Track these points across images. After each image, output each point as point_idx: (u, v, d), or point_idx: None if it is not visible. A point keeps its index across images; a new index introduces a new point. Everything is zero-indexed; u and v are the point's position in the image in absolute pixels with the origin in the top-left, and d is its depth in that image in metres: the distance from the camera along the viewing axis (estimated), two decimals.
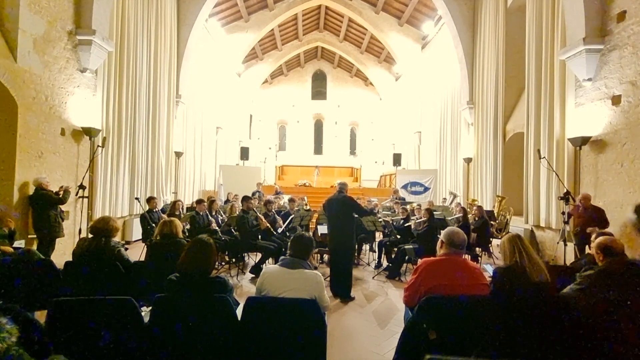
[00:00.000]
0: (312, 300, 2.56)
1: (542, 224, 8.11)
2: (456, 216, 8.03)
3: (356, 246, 7.41)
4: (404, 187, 13.98)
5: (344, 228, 5.66)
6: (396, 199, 11.76)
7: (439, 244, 2.85)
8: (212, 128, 16.31)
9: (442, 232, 2.87)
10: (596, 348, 2.28)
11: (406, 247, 6.56)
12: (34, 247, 5.75)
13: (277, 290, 2.68)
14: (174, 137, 11.90)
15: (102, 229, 3.52)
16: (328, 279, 6.03)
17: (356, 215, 5.89)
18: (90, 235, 3.59)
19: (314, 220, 8.53)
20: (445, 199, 12.88)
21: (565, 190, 6.62)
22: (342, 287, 5.53)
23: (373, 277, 6.70)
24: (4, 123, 5.76)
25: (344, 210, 5.67)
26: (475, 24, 12.26)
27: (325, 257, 7.88)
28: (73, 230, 6.91)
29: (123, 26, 8.70)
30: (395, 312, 4.92)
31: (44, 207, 5.82)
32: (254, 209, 7.21)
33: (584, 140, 6.81)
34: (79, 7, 7.09)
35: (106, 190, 8.15)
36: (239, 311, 2.56)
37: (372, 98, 25.21)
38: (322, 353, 2.57)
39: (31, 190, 5.93)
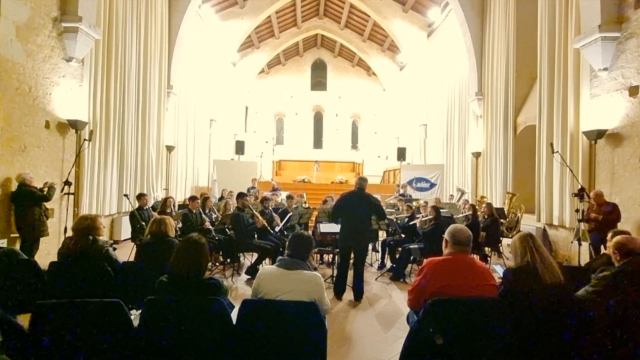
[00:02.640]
0: (311, 303, 2.56)
1: (555, 222, 8.11)
2: (465, 214, 8.02)
3: None
4: (409, 183, 13.97)
5: (365, 228, 5.65)
6: (401, 195, 11.75)
7: (443, 243, 2.84)
8: (206, 121, 16.29)
9: (446, 230, 2.86)
10: (612, 353, 2.28)
11: (411, 246, 6.56)
12: (17, 246, 5.74)
13: (274, 293, 2.67)
14: (165, 130, 11.88)
15: (85, 228, 3.50)
16: (329, 280, 6.05)
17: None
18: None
19: (314, 218, 8.53)
20: (452, 195, 12.89)
21: (579, 187, 6.60)
22: (359, 288, 5.54)
23: (376, 279, 6.71)
24: None
25: (368, 209, 5.64)
26: (485, 10, 12.20)
27: (326, 257, 7.88)
28: (58, 229, 6.88)
29: (111, 13, 8.65)
30: (400, 315, 4.91)
31: (28, 204, 5.80)
32: (250, 206, 7.20)
33: (600, 134, 6.78)
34: None
35: (93, 187, 8.13)
36: (233, 315, 2.55)
37: (375, 89, 25.15)
38: (323, 359, 2.57)
39: (14, 186, 5.90)
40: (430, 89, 17.34)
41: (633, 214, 6.07)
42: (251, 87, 23.09)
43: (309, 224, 8.63)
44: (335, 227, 6.14)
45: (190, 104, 14.25)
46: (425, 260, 2.85)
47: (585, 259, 6.25)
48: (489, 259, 7.34)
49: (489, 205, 7.84)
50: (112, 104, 8.76)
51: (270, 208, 7.79)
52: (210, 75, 16.21)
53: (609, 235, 3.36)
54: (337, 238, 5.93)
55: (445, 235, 2.81)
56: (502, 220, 8.57)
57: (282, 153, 24.10)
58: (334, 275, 5.97)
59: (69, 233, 6.38)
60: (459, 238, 2.73)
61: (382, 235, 8.53)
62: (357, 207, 5.58)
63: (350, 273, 5.71)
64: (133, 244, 6.95)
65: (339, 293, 5.56)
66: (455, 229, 2.78)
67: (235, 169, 14.83)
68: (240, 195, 7.10)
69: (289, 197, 8.78)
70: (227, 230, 7.31)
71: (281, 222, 7.53)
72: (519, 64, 10.51)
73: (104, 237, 3.90)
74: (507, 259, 7.78)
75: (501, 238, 8.02)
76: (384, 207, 9.97)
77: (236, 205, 7.14)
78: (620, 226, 5.61)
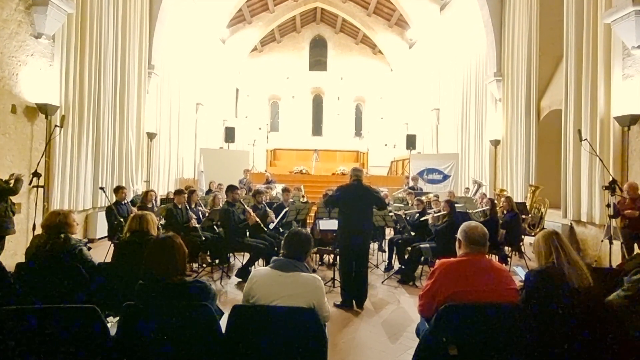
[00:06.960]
0: (310, 309, 2.56)
1: (584, 219, 8.10)
2: (482, 209, 8.01)
3: None
4: (419, 174, 13.95)
5: (367, 225, 5.64)
6: (410, 188, 11.74)
7: (456, 243, 2.83)
8: (192, 105, 16.26)
9: (459, 228, 2.84)
10: None
11: (422, 246, 6.57)
12: None
13: (268, 298, 2.67)
14: (146, 115, 11.85)
15: (56, 225, 3.49)
16: (329, 283, 6.05)
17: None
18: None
19: (312, 214, 8.52)
20: (468, 188, 12.88)
21: (610, 179, 6.58)
22: (360, 294, 5.49)
23: (383, 282, 6.72)
24: None
25: (368, 202, 5.63)
26: None
27: (326, 257, 7.89)
28: (26, 226, 6.89)
29: None
30: (409, 322, 4.92)
31: None
32: (241, 200, 7.20)
33: (633, 119, 6.76)
34: None
35: (65, 179, 8.11)
36: (223, 322, 2.55)
37: (382, 69, 25.05)
38: None
39: None
40: (443, 69, 17.24)
41: None
42: (242, 67, 22.99)
43: (307, 221, 8.63)
44: (336, 224, 6.10)
45: (174, 86, 14.19)
46: (437, 262, 2.84)
47: (617, 259, 6.26)
48: (509, 259, 7.34)
49: (509, 199, 7.83)
50: (87, 86, 8.71)
51: (263, 202, 7.77)
52: (196, 54, 16.12)
53: None
54: (336, 237, 5.92)
55: (458, 235, 2.80)
56: (523, 216, 8.56)
57: (277, 141, 24.03)
58: (335, 278, 5.97)
59: (38, 231, 6.39)
60: (474, 237, 2.72)
61: (389, 233, 8.54)
62: (357, 201, 5.53)
63: None
64: (110, 242, 6.96)
65: (346, 300, 5.45)
66: (468, 227, 2.77)
67: (225, 159, 14.84)
68: (231, 189, 7.08)
69: (285, 190, 8.77)
70: (215, 227, 7.31)
71: (276, 218, 7.53)
72: (543, 41, 10.44)
73: (77, 235, 3.89)
74: (530, 259, 7.80)
75: (523, 236, 8.03)
76: (392, 202, 10.05)
77: (226, 199, 7.13)
78: None
